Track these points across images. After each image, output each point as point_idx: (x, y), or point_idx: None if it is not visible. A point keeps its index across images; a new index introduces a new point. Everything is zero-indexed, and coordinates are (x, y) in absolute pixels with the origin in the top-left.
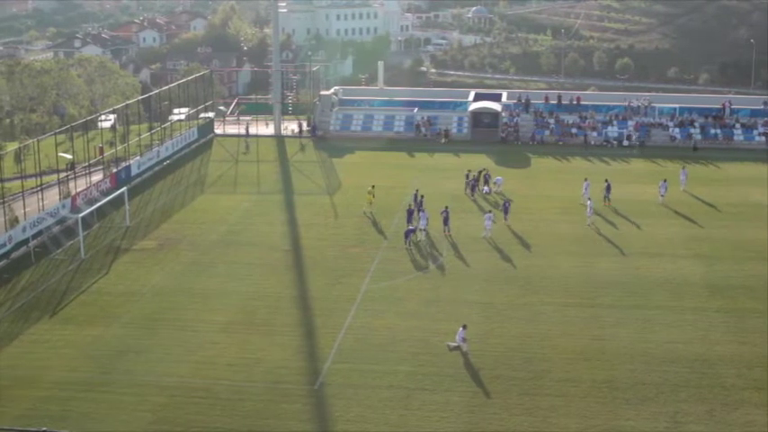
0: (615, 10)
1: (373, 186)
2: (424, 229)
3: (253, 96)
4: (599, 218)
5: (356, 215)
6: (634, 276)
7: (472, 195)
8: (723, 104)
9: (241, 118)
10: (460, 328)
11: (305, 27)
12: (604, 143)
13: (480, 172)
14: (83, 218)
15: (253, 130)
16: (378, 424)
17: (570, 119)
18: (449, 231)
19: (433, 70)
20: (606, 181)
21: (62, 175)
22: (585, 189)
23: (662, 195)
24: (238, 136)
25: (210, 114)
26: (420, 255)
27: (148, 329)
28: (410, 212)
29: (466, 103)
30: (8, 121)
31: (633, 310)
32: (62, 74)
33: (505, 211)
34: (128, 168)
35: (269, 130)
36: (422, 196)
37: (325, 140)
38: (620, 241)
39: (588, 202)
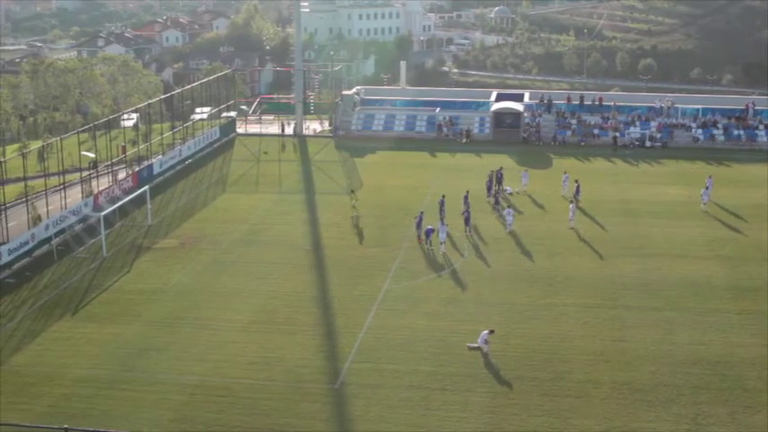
0: (638, 10)
1: (353, 191)
2: (443, 242)
3: (275, 96)
4: (623, 218)
5: (378, 215)
6: (656, 277)
7: (488, 196)
8: (746, 105)
9: (266, 116)
10: (486, 331)
11: (327, 27)
12: (627, 144)
13: (495, 172)
14: (105, 216)
15: (254, 129)
16: (397, 424)
17: (592, 119)
18: (470, 232)
19: (455, 70)
20: (576, 182)
21: (85, 173)
22: (564, 182)
23: (704, 203)
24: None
25: (233, 114)
26: (441, 255)
27: (169, 328)
28: (419, 221)
29: (488, 103)
30: (32, 119)
31: (655, 311)
32: (85, 73)
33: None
34: (150, 167)
35: (290, 129)
36: (443, 196)
37: (346, 140)
38: (643, 242)
39: (571, 205)
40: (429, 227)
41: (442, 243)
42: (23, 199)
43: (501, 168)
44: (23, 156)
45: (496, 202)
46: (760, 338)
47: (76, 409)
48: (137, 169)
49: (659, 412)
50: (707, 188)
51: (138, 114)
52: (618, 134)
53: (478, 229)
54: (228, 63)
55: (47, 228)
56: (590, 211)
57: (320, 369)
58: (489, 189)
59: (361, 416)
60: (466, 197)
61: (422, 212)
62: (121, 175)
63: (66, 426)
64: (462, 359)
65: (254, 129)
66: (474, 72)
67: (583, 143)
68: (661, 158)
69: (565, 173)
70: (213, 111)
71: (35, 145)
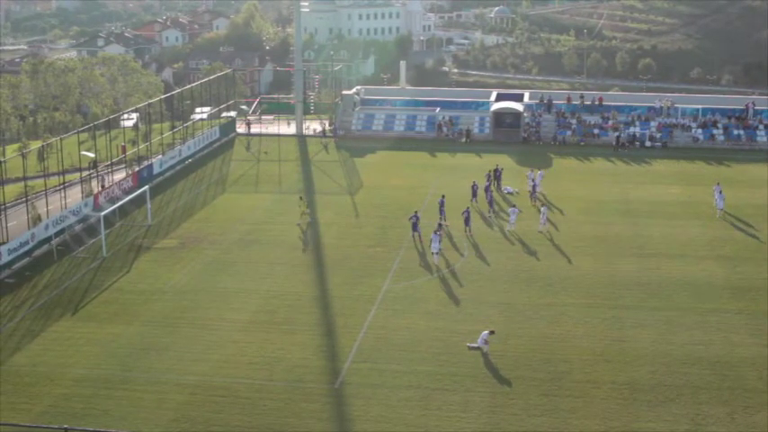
0: (638, 10)
1: (301, 197)
2: (437, 253)
3: (275, 96)
4: (623, 218)
5: (377, 215)
6: (656, 277)
7: (487, 197)
8: (746, 105)
9: (266, 116)
10: (486, 331)
11: (327, 26)
12: (626, 144)
13: (493, 171)
14: (105, 216)
15: (254, 129)
16: (397, 424)
17: (592, 119)
18: (470, 232)
19: (455, 70)
20: (533, 181)
21: (85, 173)
22: (539, 179)
23: (720, 209)
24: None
25: (232, 113)
26: (441, 255)
27: (169, 328)
28: (414, 224)
29: (488, 103)
30: (32, 119)
31: (654, 311)
32: (86, 73)
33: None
34: (150, 167)
35: (291, 129)
36: (443, 196)
37: (346, 140)
38: (643, 242)
39: (543, 208)
40: (439, 222)
41: (434, 254)
42: (23, 199)
43: (498, 167)
44: (23, 156)
45: (491, 202)
46: (760, 338)
47: (76, 409)
48: (137, 169)
49: (659, 412)
50: (720, 192)
51: (138, 114)
52: (618, 134)
53: (478, 229)
54: (228, 63)
55: (47, 227)
56: (590, 211)
57: (320, 369)
58: (487, 190)
59: (361, 416)
60: (491, 201)
61: (416, 212)
62: (119, 176)
63: (66, 426)
64: (462, 359)
65: (254, 128)
66: (474, 72)
67: (583, 143)
68: (661, 158)
69: (540, 170)
70: (213, 111)
71: (35, 145)
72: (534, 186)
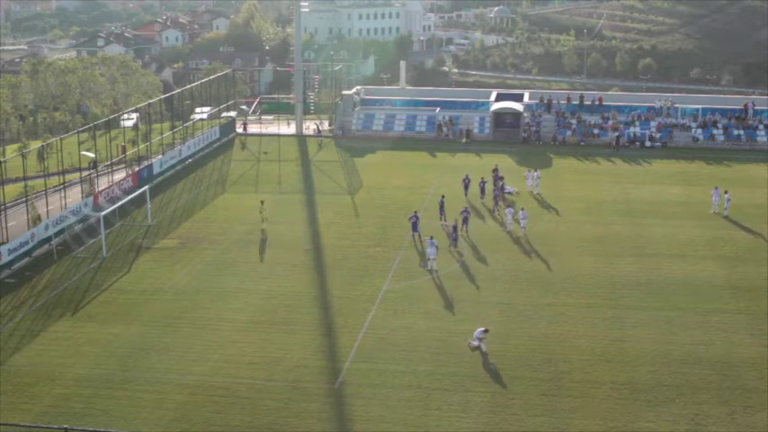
0: (638, 10)
1: (262, 202)
2: (434, 259)
3: (275, 96)
4: (623, 218)
5: (377, 215)
6: (656, 277)
7: (482, 197)
8: (746, 105)
9: (266, 116)
10: (481, 329)
11: (327, 26)
12: (626, 144)
13: (494, 172)
14: (105, 216)
15: (255, 129)
16: (397, 424)
17: (592, 119)
18: (467, 232)
19: (455, 70)
20: (502, 179)
21: (85, 173)
22: (536, 179)
23: (726, 209)
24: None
25: (232, 113)
26: (441, 255)
27: (169, 328)
28: (414, 223)
29: (488, 103)
30: (32, 119)
31: (655, 311)
32: (85, 73)
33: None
34: (150, 167)
35: (291, 129)
36: (443, 196)
37: (346, 140)
38: (643, 242)
39: (522, 212)
40: (453, 224)
41: (429, 259)
42: (23, 199)
43: (498, 172)
44: (23, 156)
45: (496, 204)
46: (760, 338)
47: (76, 409)
48: (137, 169)
49: (659, 412)
50: (726, 192)
51: (138, 114)
52: (618, 134)
53: (478, 229)
54: (228, 63)
55: (47, 228)
56: (591, 211)
57: (320, 369)
58: (483, 191)
59: (361, 416)
60: (496, 198)
61: (416, 212)
62: (119, 176)
63: (66, 426)
64: (462, 359)
65: (254, 128)
66: (474, 72)
67: (583, 143)
68: (661, 158)
69: (536, 170)
70: (213, 111)
71: (35, 145)
72: (503, 186)
